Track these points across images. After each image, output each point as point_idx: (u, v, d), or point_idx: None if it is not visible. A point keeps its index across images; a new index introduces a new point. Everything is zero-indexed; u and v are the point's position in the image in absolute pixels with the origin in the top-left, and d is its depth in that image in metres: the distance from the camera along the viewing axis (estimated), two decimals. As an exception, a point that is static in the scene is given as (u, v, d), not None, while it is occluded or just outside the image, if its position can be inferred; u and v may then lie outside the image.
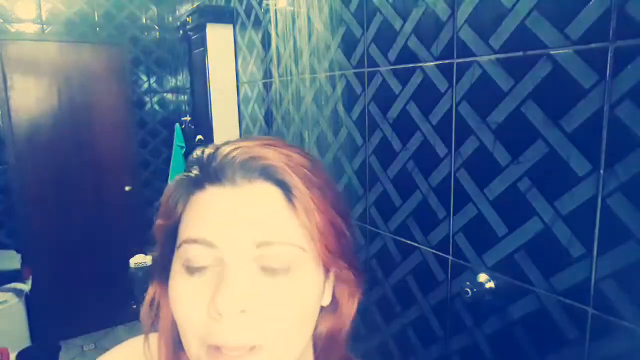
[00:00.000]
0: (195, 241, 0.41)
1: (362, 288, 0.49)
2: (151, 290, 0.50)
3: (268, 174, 0.41)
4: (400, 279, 1.43)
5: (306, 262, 0.42)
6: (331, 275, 0.47)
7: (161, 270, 0.47)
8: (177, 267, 0.43)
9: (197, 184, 0.43)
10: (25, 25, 3.11)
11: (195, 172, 0.43)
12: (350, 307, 0.48)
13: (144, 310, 0.50)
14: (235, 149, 0.42)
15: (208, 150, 0.44)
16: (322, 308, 0.48)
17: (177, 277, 0.43)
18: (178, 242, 0.43)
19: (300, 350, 0.44)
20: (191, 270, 0.41)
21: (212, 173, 0.42)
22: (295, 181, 0.41)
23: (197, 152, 0.45)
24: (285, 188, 0.41)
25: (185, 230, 0.42)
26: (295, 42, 1.87)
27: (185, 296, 0.42)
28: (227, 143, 0.44)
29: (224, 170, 0.41)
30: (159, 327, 0.49)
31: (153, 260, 0.49)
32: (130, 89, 3.51)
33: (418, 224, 1.34)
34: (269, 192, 0.41)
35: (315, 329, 0.48)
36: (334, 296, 0.48)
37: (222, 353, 0.40)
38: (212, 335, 0.40)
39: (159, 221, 0.46)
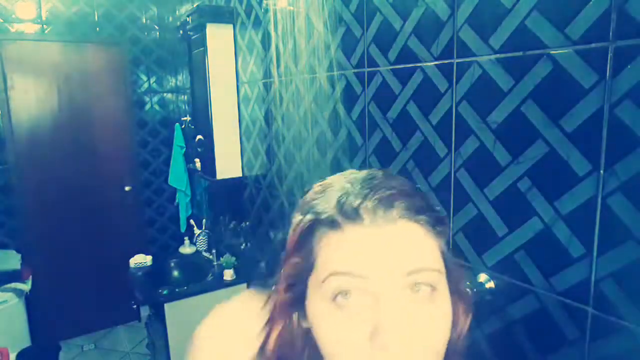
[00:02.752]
0: (345, 274, 0.43)
1: (472, 306, 0.52)
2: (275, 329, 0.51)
3: (407, 215, 0.45)
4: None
5: (443, 283, 0.46)
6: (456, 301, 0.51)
7: (299, 302, 0.49)
8: (321, 301, 0.45)
9: (333, 225, 0.45)
10: (25, 25, 3.11)
11: (328, 213, 0.46)
12: (464, 324, 0.52)
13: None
14: (373, 193, 0.45)
15: (344, 198, 0.46)
16: None
17: (326, 313, 0.45)
18: (323, 276, 0.45)
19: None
20: (339, 305, 0.43)
21: (350, 214, 0.44)
22: (426, 218, 0.46)
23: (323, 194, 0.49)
24: (422, 222, 0.45)
25: (331, 264, 0.44)
26: (295, 42, 1.88)
27: (341, 332, 0.44)
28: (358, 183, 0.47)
29: (362, 213, 0.44)
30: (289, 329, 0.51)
31: (286, 295, 0.50)
32: (130, 89, 3.51)
33: (418, 224, 1.33)
34: (409, 227, 0.45)
35: None
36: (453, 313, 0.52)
37: None
38: None
39: (294, 259, 0.48)
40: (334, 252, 0.45)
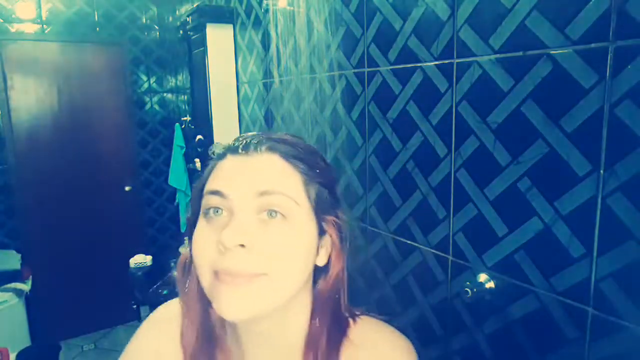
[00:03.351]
0: (212, 192, 0.53)
1: (346, 252, 0.60)
2: (183, 255, 0.62)
3: (273, 148, 0.55)
4: (400, 279, 1.43)
5: (301, 215, 0.54)
6: (326, 240, 0.58)
7: (192, 227, 0.57)
8: (201, 217, 0.55)
9: (221, 156, 0.57)
10: (25, 25, 3.11)
11: (223, 149, 0.58)
12: (338, 267, 0.59)
13: (178, 274, 0.63)
14: (258, 136, 0.57)
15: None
16: (319, 268, 0.59)
17: (198, 224, 0.55)
18: (204, 194, 0.55)
19: (297, 283, 0.54)
20: (208, 216, 0.53)
21: (233, 148, 0.57)
22: (293, 152, 0.56)
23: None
24: (285, 156, 0.55)
25: (207, 186, 0.55)
26: (295, 42, 1.88)
27: (201, 236, 0.53)
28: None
29: (241, 146, 0.56)
30: (189, 286, 0.61)
31: (187, 222, 0.61)
32: (130, 89, 3.51)
33: (418, 224, 1.34)
34: (272, 158, 0.55)
35: (314, 287, 0.60)
36: (329, 259, 0.59)
37: (228, 279, 0.50)
38: (218, 264, 0.50)
39: (195, 185, 0.59)
40: (214, 175, 0.56)
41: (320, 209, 0.57)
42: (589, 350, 0.92)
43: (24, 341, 2.87)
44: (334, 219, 0.58)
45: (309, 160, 0.56)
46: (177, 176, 3.26)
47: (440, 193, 1.24)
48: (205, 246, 0.52)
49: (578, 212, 0.91)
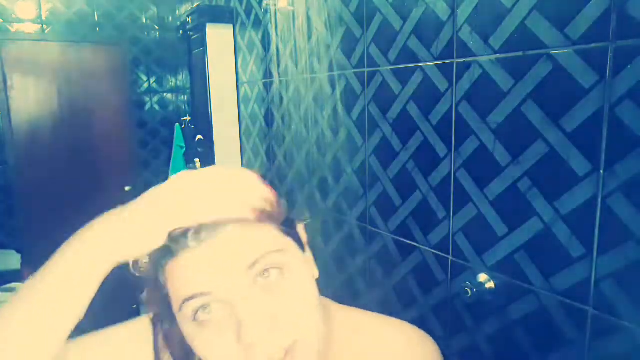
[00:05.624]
0: (193, 297, 0.45)
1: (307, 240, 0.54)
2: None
3: (222, 228, 0.46)
4: (400, 279, 1.43)
5: (293, 257, 0.49)
6: (307, 249, 0.53)
7: (170, 331, 0.53)
8: (186, 322, 0.47)
9: (169, 254, 0.47)
10: (25, 25, 3.11)
11: (166, 245, 0.47)
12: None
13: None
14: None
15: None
16: None
17: (193, 332, 0.47)
18: (176, 305, 0.47)
19: (320, 320, 0.50)
20: (197, 319, 0.46)
21: (178, 241, 0.46)
22: (246, 216, 0.46)
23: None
24: (239, 221, 0.46)
25: (178, 292, 0.46)
26: (295, 42, 1.87)
27: (210, 346, 0.46)
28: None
29: (189, 241, 0.46)
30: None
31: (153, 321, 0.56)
32: (130, 89, 3.51)
33: (418, 224, 1.34)
34: (232, 231, 0.46)
35: None
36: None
37: None
38: None
39: (152, 293, 0.51)
40: (176, 281, 0.47)
41: (293, 229, 0.51)
42: (589, 350, 0.92)
43: (24, 341, 2.87)
44: (301, 224, 0.53)
45: (263, 207, 0.47)
46: (177, 176, 3.26)
47: (440, 193, 1.24)
48: (223, 353, 0.45)
49: (578, 212, 0.91)
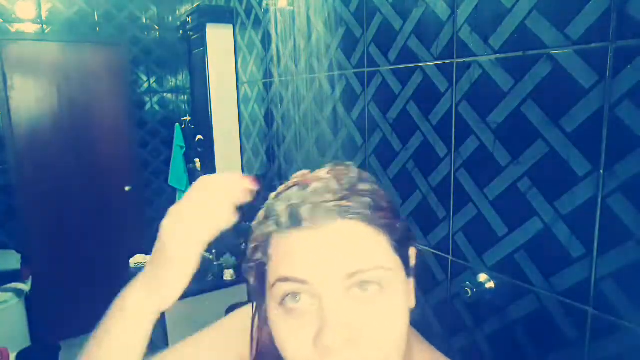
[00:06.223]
0: (288, 279, 0.44)
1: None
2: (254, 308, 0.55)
3: (347, 212, 0.45)
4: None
5: (396, 276, 0.46)
6: (411, 279, 0.50)
7: (258, 298, 0.51)
8: (273, 305, 0.47)
9: (280, 229, 0.46)
10: (25, 25, 3.11)
11: (277, 219, 0.47)
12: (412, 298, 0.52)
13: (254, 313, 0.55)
14: (305, 193, 0.46)
15: (281, 195, 0.48)
16: None
17: (276, 317, 0.46)
18: (272, 282, 0.46)
19: (404, 347, 0.47)
20: (285, 304, 0.45)
21: (294, 219, 0.45)
22: (371, 212, 0.45)
23: (272, 198, 0.49)
24: (366, 219, 0.45)
25: (276, 270, 0.46)
26: (295, 42, 1.87)
27: (289, 334, 0.45)
28: (295, 184, 0.48)
29: (306, 218, 0.45)
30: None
31: (249, 293, 0.54)
32: (130, 89, 3.51)
33: (418, 224, 1.34)
34: (350, 227, 0.45)
35: None
36: None
37: None
38: None
39: (244, 261, 0.51)
40: (279, 257, 0.46)
41: (405, 250, 0.49)
42: (589, 350, 0.92)
43: (24, 341, 2.87)
44: (414, 249, 0.51)
45: (386, 212, 0.47)
46: (177, 176, 3.26)
47: (440, 193, 1.24)
48: (298, 347, 0.44)
49: (578, 212, 0.91)
